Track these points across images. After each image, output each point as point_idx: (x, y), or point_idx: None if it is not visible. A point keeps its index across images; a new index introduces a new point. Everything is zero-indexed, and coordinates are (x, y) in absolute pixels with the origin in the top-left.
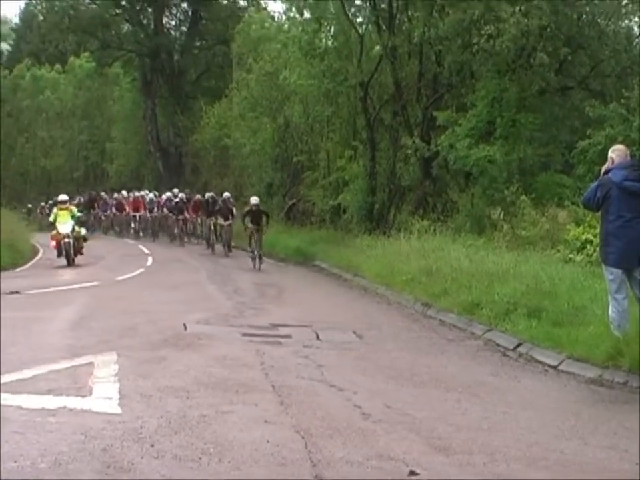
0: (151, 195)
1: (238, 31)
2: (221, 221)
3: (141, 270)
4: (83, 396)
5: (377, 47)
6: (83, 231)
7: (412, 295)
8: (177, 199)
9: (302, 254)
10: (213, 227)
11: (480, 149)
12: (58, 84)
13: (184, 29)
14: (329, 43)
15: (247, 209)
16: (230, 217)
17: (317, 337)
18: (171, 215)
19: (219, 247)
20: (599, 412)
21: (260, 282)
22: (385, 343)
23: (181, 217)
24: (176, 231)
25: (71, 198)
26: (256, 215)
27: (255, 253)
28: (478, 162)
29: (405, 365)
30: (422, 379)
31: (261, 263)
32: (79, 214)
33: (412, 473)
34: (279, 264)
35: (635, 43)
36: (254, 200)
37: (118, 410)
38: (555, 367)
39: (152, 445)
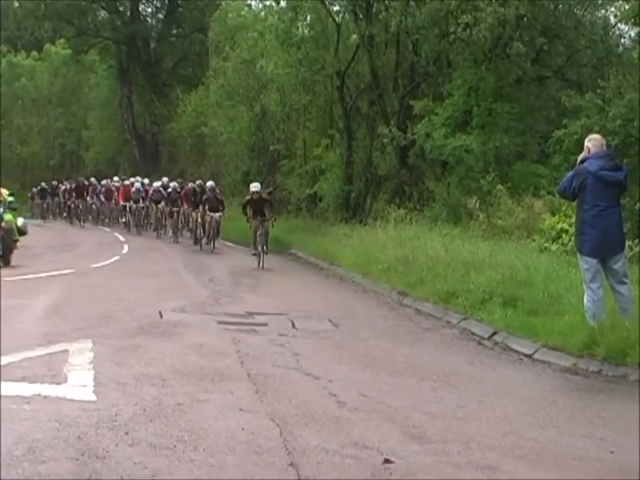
0: (138, 185)
1: (215, 19)
2: (208, 213)
3: (117, 257)
4: (58, 383)
5: (354, 36)
6: (20, 221)
7: (388, 283)
8: (170, 189)
9: (278, 242)
10: (200, 220)
11: (456, 138)
12: (34, 71)
13: (160, 16)
14: (306, 31)
15: (246, 197)
16: (220, 209)
17: (293, 326)
18: (155, 207)
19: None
20: (574, 401)
21: (236, 270)
22: (360, 332)
23: (175, 209)
24: (169, 224)
25: (57, 185)
26: (258, 205)
27: (259, 249)
28: (454, 151)
29: (380, 353)
30: (397, 368)
31: (265, 253)
32: (10, 198)
33: (387, 461)
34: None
35: (611, 33)
36: (254, 186)
37: (93, 397)
38: (530, 356)
39: (127, 433)
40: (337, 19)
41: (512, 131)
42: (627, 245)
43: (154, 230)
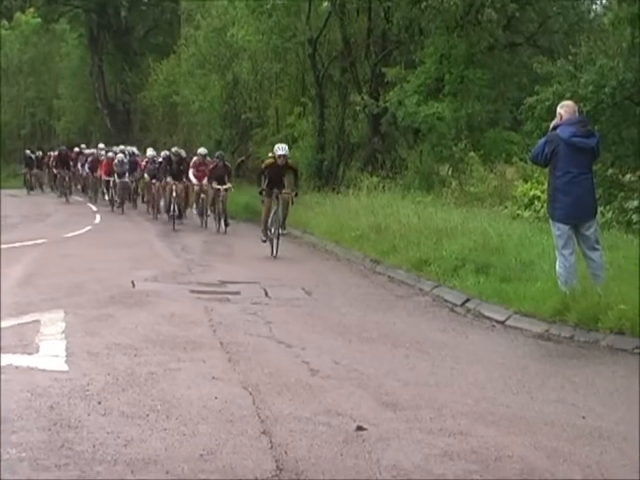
0: (121, 156)
1: None
2: (214, 185)
3: (89, 227)
4: (30, 354)
5: (326, 3)
6: None
7: (361, 251)
8: (176, 158)
9: (251, 211)
10: (209, 194)
11: (429, 105)
12: (4, 40)
13: None
14: None
15: (267, 161)
16: (226, 179)
17: (266, 294)
18: (153, 181)
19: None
20: (546, 366)
21: (208, 239)
22: (333, 300)
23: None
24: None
25: (42, 154)
26: (278, 173)
27: (273, 231)
28: (426, 118)
29: (353, 321)
30: (370, 335)
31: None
32: None
33: (359, 428)
34: (229, 220)
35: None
36: (281, 148)
37: (65, 367)
38: (502, 323)
39: (99, 402)
40: None
41: (484, 98)
42: (598, 212)
43: (148, 209)
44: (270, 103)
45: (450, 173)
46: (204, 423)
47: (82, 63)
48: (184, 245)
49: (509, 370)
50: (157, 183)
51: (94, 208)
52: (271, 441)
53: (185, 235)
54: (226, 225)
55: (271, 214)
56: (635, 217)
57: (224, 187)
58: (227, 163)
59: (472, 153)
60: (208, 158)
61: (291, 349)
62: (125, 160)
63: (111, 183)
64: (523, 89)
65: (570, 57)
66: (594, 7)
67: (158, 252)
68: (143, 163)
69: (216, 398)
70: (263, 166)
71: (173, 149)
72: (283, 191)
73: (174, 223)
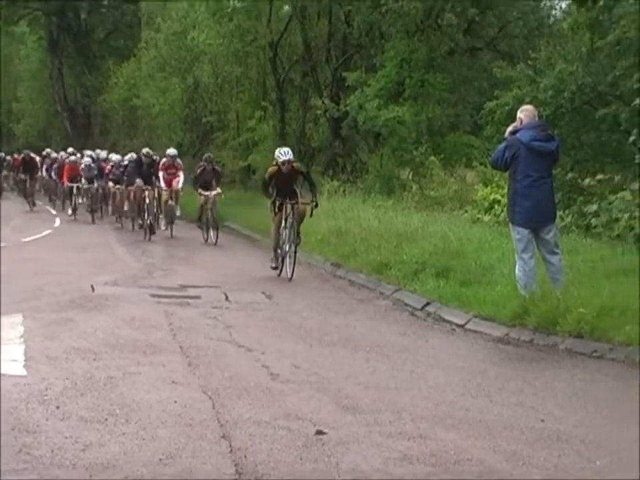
0: (88, 160)
1: None
2: (203, 192)
3: (49, 231)
4: None
5: (286, 7)
6: None
7: (322, 255)
8: (147, 160)
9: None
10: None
11: (389, 109)
12: None
13: None
14: (238, 2)
15: (270, 169)
16: (215, 184)
17: (226, 298)
18: (117, 187)
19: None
20: (506, 370)
21: (169, 243)
22: (294, 304)
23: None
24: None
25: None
26: (287, 180)
27: (286, 248)
28: (387, 122)
29: (314, 325)
30: (331, 339)
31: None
32: None
33: (319, 432)
34: (190, 225)
35: (542, 4)
36: (283, 153)
37: (23, 372)
38: (462, 326)
39: (57, 407)
40: None
41: (444, 102)
42: (558, 216)
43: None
44: (230, 106)
45: (410, 177)
46: (163, 427)
47: (41, 65)
48: (144, 249)
49: (469, 373)
50: (122, 188)
51: (54, 212)
52: (230, 445)
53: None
54: (217, 231)
55: (281, 228)
56: (594, 221)
57: (213, 192)
58: (216, 167)
59: (432, 157)
60: (178, 160)
61: (251, 352)
62: (93, 164)
63: (75, 190)
64: (483, 94)
65: (530, 62)
66: (553, 12)
67: (118, 256)
68: (108, 168)
69: (175, 402)
70: (266, 176)
71: (144, 150)
72: (301, 201)
73: (149, 234)
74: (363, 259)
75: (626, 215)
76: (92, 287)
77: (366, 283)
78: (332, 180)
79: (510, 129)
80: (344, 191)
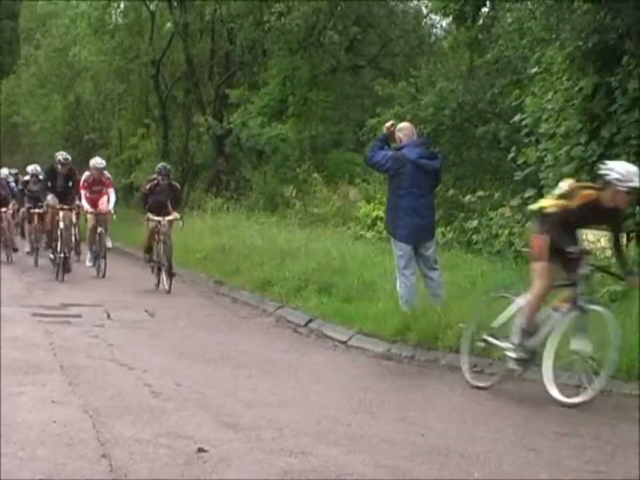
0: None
1: (25, 5)
2: (153, 217)
3: None
4: None
5: (169, 24)
6: None
7: (205, 272)
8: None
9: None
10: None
11: (272, 127)
12: None
13: None
14: (120, 19)
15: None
16: (171, 206)
17: (108, 316)
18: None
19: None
20: (387, 385)
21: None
22: (177, 321)
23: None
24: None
25: None
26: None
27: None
28: (270, 140)
29: (196, 342)
30: (213, 357)
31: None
32: None
33: (200, 450)
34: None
35: (423, 23)
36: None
37: None
38: (344, 342)
39: None
40: (150, 7)
41: (327, 120)
42: (438, 232)
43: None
44: (113, 123)
45: (294, 194)
46: (42, 448)
47: None
48: (25, 267)
49: (351, 389)
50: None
51: None
52: (110, 464)
53: (26, 258)
54: (170, 276)
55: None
56: (474, 237)
57: (167, 218)
58: (173, 182)
59: (315, 174)
60: (106, 173)
61: (133, 371)
62: (11, 179)
63: None
64: (365, 111)
65: (411, 80)
66: (434, 30)
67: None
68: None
69: (55, 422)
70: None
71: (60, 155)
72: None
73: (61, 270)
74: (246, 276)
75: (506, 231)
76: None
77: (249, 300)
78: (216, 197)
79: (387, 124)
80: (227, 207)
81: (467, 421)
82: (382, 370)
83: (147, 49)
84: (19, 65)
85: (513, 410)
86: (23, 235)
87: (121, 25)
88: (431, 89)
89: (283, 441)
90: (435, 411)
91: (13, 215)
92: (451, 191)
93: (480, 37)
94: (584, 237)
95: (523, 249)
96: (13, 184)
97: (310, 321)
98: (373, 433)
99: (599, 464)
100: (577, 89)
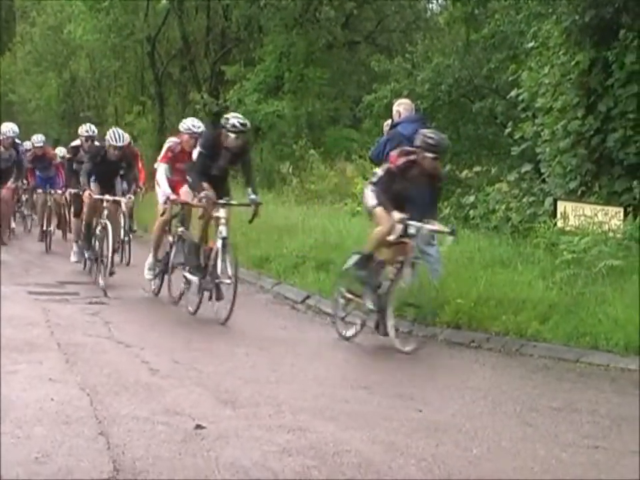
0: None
1: None
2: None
3: None
4: None
5: (164, 1)
6: None
7: None
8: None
9: None
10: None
11: (269, 103)
12: None
13: None
14: None
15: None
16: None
17: (105, 294)
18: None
19: None
20: (385, 362)
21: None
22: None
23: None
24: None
25: None
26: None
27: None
28: (267, 117)
29: (194, 319)
30: (210, 333)
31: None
32: None
33: (198, 426)
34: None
35: None
36: (112, 134)
37: None
38: (342, 319)
39: None
40: None
41: (324, 96)
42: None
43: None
44: (109, 101)
45: (291, 170)
46: (39, 425)
47: None
48: (21, 246)
49: (349, 366)
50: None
51: None
52: (108, 442)
53: (22, 237)
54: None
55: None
56: (471, 213)
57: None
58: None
59: (312, 151)
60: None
61: (130, 348)
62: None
63: None
64: (362, 87)
65: (407, 55)
66: (430, 6)
67: None
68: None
69: (52, 400)
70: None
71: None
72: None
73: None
74: (243, 253)
75: (502, 206)
76: None
77: (246, 276)
78: None
79: (388, 122)
80: None
81: (465, 397)
82: (380, 346)
83: (142, 26)
84: (15, 43)
85: (512, 385)
86: (63, 233)
87: (115, 2)
88: (427, 65)
89: (280, 418)
90: (432, 387)
91: (13, 194)
92: (448, 166)
93: (476, 11)
94: (581, 210)
95: None
96: (22, 147)
97: (307, 297)
98: (371, 409)
99: (597, 439)
100: (573, 63)
